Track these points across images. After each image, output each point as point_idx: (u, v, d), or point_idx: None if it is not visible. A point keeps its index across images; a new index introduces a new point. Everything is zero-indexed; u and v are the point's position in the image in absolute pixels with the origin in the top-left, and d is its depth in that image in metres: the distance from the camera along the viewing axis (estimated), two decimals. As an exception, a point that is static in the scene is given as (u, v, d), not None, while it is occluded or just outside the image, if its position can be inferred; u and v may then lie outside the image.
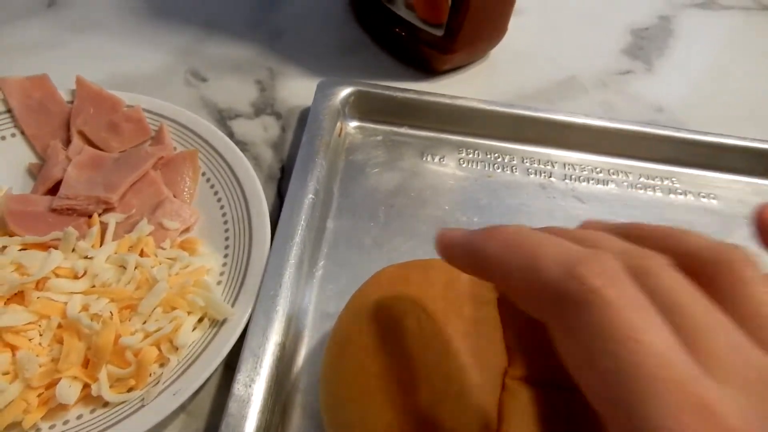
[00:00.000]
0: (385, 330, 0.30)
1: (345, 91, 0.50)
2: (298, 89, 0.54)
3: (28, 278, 0.35)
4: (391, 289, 0.32)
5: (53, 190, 0.42)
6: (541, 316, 0.19)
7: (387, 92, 0.51)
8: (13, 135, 0.45)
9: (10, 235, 0.38)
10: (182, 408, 0.36)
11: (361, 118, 0.51)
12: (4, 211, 0.39)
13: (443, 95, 0.51)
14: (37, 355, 0.34)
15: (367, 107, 0.51)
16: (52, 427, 0.33)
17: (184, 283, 0.37)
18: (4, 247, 0.37)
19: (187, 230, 0.42)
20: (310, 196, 0.43)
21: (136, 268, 0.37)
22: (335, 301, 0.41)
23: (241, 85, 0.54)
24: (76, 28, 0.57)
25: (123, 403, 0.34)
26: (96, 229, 0.39)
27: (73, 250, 0.38)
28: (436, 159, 0.50)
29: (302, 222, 0.41)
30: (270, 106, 0.53)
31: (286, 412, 0.36)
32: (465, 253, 0.22)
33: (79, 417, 0.33)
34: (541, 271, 0.18)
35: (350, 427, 0.29)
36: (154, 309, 0.36)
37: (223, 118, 0.51)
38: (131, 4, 0.60)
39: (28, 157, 0.45)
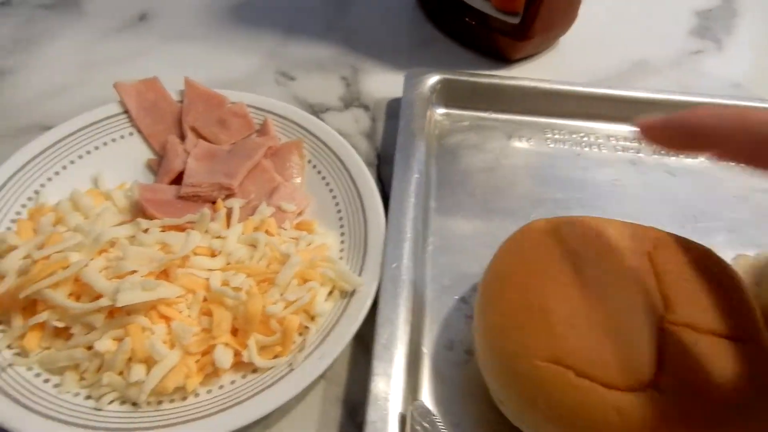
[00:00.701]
0: (546, 268, 0.33)
1: (432, 80, 0.52)
2: (381, 82, 0.57)
3: (174, 256, 0.37)
4: (545, 239, 0.34)
5: (176, 181, 0.45)
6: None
7: (472, 78, 0.53)
8: (131, 134, 0.48)
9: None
10: (321, 375, 0.37)
11: (447, 105, 0.54)
12: (139, 199, 0.41)
13: (526, 78, 0.53)
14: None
15: (453, 94, 0.53)
16: (209, 391, 0.35)
17: (312, 257, 0.39)
18: (147, 229, 0.39)
19: (300, 213, 0.45)
20: (416, 175, 0.45)
21: (265, 246, 0.40)
22: (449, 274, 0.43)
23: (328, 81, 0.57)
24: (167, 39, 0.60)
25: (271, 368, 0.35)
26: (223, 212, 0.41)
27: (206, 231, 0.40)
28: (524, 140, 0.52)
29: (412, 199, 0.43)
30: (357, 99, 0.55)
31: (420, 372, 0.37)
32: (676, 126, 0.27)
33: (233, 382, 0.35)
34: (753, 126, 0.24)
35: (514, 355, 0.30)
36: (290, 281, 0.38)
37: (315, 112, 0.54)
38: (215, 16, 0.63)
39: (145, 154, 0.48)
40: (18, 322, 0.36)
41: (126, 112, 0.48)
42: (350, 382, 0.38)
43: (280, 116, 0.49)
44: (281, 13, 0.64)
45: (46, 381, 0.35)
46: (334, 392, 0.37)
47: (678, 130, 0.26)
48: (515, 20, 0.55)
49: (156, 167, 0.47)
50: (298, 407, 0.36)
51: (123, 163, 0.47)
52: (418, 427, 0.31)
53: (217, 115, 0.48)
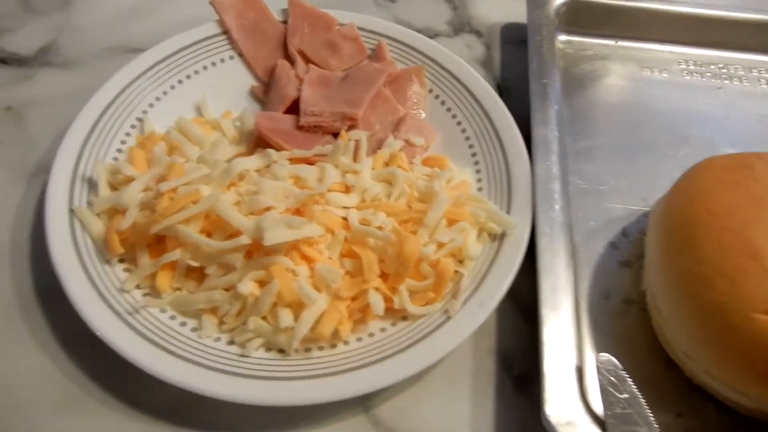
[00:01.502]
0: (749, 208, 0.29)
1: (557, 2, 0.47)
2: (492, 6, 0.51)
3: (313, 191, 0.33)
4: (735, 176, 0.30)
5: (289, 109, 0.40)
6: None
7: (604, 0, 0.47)
8: (231, 57, 0.43)
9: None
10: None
11: (570, 32, 0.48)
12: (259, 129, 0.37)
13: (660, 1, 0.48)
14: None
15: (578, 19, 0.48)
16: (359, 339, 0.32)
17: (458, 196, 0.35)
18: (272, 163, 0.35)
19: (426, 148, 0.41)
20: (555, 107, 0.41)
21: (403, 182, 0.36)
22: (594, 217, 0.39)
23: (432, 4, 0.51)
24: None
25: (424, 316, 0.32)
26: (352, 144, 0.37)
27: (336, 166, 0.37)
28: (656, 71, 0.47)
29: (555, 133, 0.39)
30: (467, 24, 0.50)
31: (581, 323, 0.34)
32: None
33: (383, 330, 0.32)
34: None
35: (722, 307, 0.27)
36: (439, 221, 0.34)
37: (422, 37, 0.49)
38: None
39: (247, 79, 0.43)
40: (145, 259, 0.33)
41: (225, 32, 0.43)
42: (500, 332, 0.35)
43: (394, 40, 0.44)
44: None
45: (183, 324, 0.32)
46: (485, 343, 0.34)
47: None
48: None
49: (260, 94, 0.43)
50: (448, 358, 0.34)
51: (224, 89, 0.43)
52: (606, 384, 0.28)
53: (326, 38, 0.43)
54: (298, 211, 0.34)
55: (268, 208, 0.33)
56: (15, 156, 0.40)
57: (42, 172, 0.39)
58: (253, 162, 0.34)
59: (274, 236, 0.30)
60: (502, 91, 0.46)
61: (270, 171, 0.34)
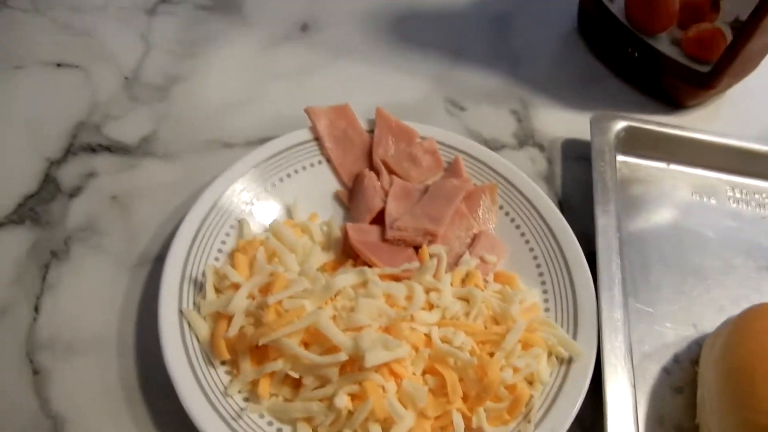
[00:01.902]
0: None
1: (618, 126, 0.51)
2: (553, 120, 0.56)
3: (405, 312, 0.37)
4: None
5: (374, 218, 0.44)
6: None
7: (660, 128, 0.51)
8: (319, 162, 0.47)
9: (365, 264, 0.41)
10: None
11: (626, 153, 0.52)
12: (352, 242, 0.41)
13: (712, 133, 0.52)
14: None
15: (634, 142, 0.51)
16: (438, 456, 0.35)
17: (531, 319, 0.39)
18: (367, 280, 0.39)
19: (496, 264, 0.44)
20: (617, 234, 0.44)
21: (481, 302, 0.39)
22: (648, 340, 0.42)
23: (498, 114, 0.55)
24: (332, 53, 0.59)
25: (499, 436, 0.35)
26: (435, 262, 0.41)
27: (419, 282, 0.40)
28: (705, 197, 0.51)
29: (617, 259, 0.43)
30: (531, 138, 0.54)
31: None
32: None
33: (461, 448, 0.35)
34: None
35: None
36: (516, 346, 0.37)
37: (490, 149, 0.52)
38: (377, 30, 0.62)
39: (332, 184, 0.47)
40: (248, 366, 0.36)
41: (316, 139, 0.48)
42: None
43: (468, 155, 0.48)
44: (444, 34, 0.63)
45: (279, 430, 0.35)
46: (551, 461, 0.37)
47: None
48: (703, 68, 0.53)
49: (345, 199, 0.46)
50: (517, 475, 0.36)
51: (311, 192, 0.46)
52: None
53: (408, 151, 0.47)
54: (387, 329, 0.37)
55: (363, 326, 0.36)
56: (119, 246, 0.43)
57: (144, 263, 0.43)
58: (351, 279, 0.38)
59: (374, 358, 0.34)
60: (563, 206, 0.49)
61: (365, 288, 0.38)
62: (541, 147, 0.53)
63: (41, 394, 0.37)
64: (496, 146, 0.53)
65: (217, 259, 0.41)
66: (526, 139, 0.54)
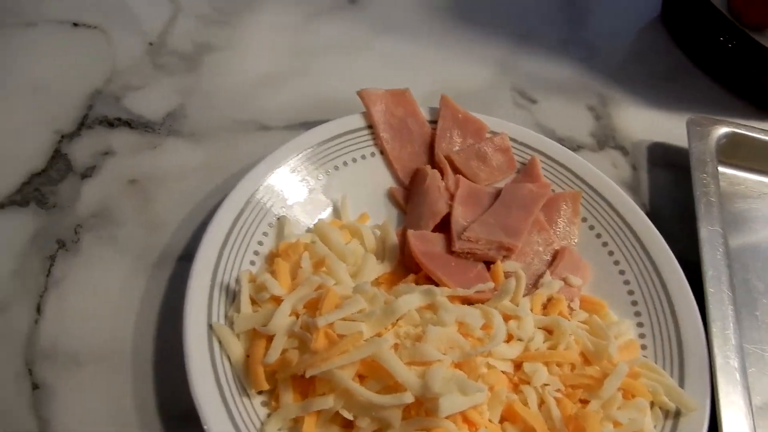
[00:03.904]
0: None
1: (719, 132, 0.44)
2: (636, 120, 0.49)
3: (483, 346, 0.30)
4: None
5: (438, 226, 0.38)
6: None
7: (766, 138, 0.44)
8: (372, 154, 0.40)
9: (427, 279, 0.34)
10: None
11: (725, 163, 0.45)
12: (416, 254, 0.34)
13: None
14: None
15: (737, 152, 0.45)
16: None
17: (631, 361, 0.32)
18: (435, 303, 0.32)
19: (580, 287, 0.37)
20: (725, 257, 0.37)
21: (570, 336, 0.33)
22: (760, 390, 0.35)
23: (573, 110, 0.49)
24: (383, 29, 0.52)
25: (593, 504, 0.29)
26: (513, 282, 0.34)
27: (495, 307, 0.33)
28: (815, 219, 0.44)
29: (728, 291, 0.36)
30: (611, 139, 0.47)
31: None
32: None
33: None
34: None
35: None
36: (615, 394, 0.31)
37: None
38: (435, 5, 0.55)
39: (385, 179, 0.40)
40: (290, 399, 0.30)
41: (369, 127, 0.41)
42: None
43: (546, 156, 0.41)
44: (510, 14, 0.55)
45: (325, 479, 0.29)
46: None
47: None
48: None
49: (399, 198, 0.40)
50: None
51: (362, 188, 0.40)
52: None
53: (477, 147, 0.41)
54: (459, 364, 0.31)
55: (433, 361, 0.29)
56: (138, 239, 0.37)
57: (167, 261, 0.36)
58: (417, 300, 0.31)
59: (449, 405, 0.27)
60: (652, 220, 0.42)
61: (434, 312, 0.31)
62: (623, 150, 0.46)
63: (41, 413, 0.31)
64: (572, 146, 0.46)
65: (252, 263, 0.35)
66: (606, 139, 0.47)
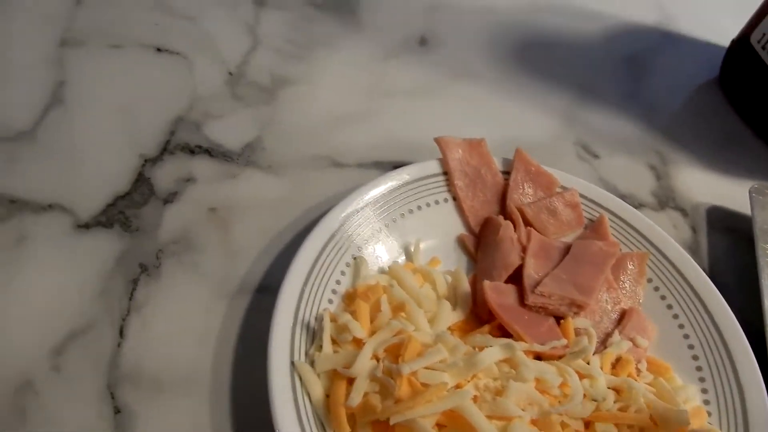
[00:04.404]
0: None
1: (781, 202, 0.45)
2: (695, 182, 0.49)
3: (561, 406, 0.31)
4: None
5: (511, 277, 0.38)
6: None
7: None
8: (445, 200, 0.42)
9: (499, 329, 0.35)
10: None
11: (783, 232, 0.46)
12: (491, 304, 0.35)
13: None
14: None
15: (797, 222, 0.45)
16: None
17: (699, 429, 0.33)
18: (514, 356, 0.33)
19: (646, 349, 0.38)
20: (787, 331, 0.38)
21: (641, 398, 0.33)
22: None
23: (634, 167, 0.50)
24: (452, 73, 0.53)
25: None
26: (585, 341, 0.35)
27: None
28: None
29: (791, 365, 0.36)
30: (672, 200, 0.48)
31: None
32: None
33: None
34: None
35: None
36: (687, 463, 0.31)
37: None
38: (502, 53, 0.56)
39: (455, 226, 0.41)
40: (369, 446, 0.30)
41: (445, 173, 0.42)
42: None
43: (613, 214, 0.42)
44: (575, 67, 0.57)
45: None
46: None
47: None
48: None
49: (470, 245, 0.41)
50: None
51: (433, 233, 0.41)
52: None
53: (547, 201, 0.42)
54: (535, 421, 0.31)
55: (513, 417, 0.30)
56: (217, 268, 0.38)
57: (245, 292, 0.37)
58: (498, 354, 0.32)
59: (532, 464, 0.28)
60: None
61: (513, 368, 0.32)
62: (683, 212, 0.47)
63: (123, 437, 0.32)
64: (633, 204, 0.46)
65: (330, 301, 0.35)
66: (666, 200, 0.48)
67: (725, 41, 0.58)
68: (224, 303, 0.37)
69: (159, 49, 0.49)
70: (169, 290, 0.37)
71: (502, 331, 0.36)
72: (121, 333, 0.35)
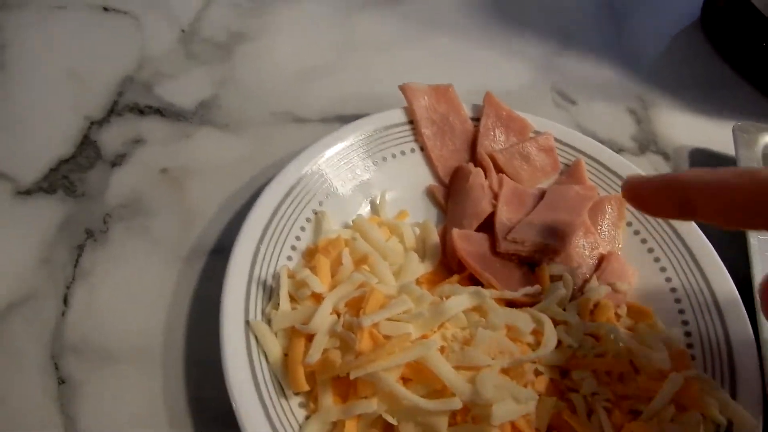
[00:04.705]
0: None
1: (765, 140, 0.43)
2: (676, 125, 0.47)
3: (534, 354, 0.29)
4: None
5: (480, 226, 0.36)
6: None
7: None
8: (412, 150, 0.39)
9: (470, 279, 0.33)
10: None
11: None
12: (461, 254, 0.33)
13: None
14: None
15: (783, 161, 0.43)
16: None
17: (683, 372, 0.31)
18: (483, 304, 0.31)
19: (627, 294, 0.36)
20: (776, 272, 0.36)
21: (620, 345, 0.31)
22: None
23: (614, 113, 0.47)
24: (425, 24, 0.51)
25: None
26: (561, 289, 0.33)
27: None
28: None
29: (780, 305, 0.34)
30: (653, 143, 0.46)
31: None
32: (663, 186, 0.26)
33: None
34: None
35: None
36: (668, 407, 0.29)
37: (610, 152, 0.44)
38: (478, 3, 0.54)
39: (423, 177, 0.39)
40: (329, 402, 0.28)
41: (410, 122, 0.40)
42: None
43: (590, 158, 0.40)
44: (552, 15, 0.54)
45: (369, 487, 0.28)
46: None
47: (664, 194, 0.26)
48: None
49: (439, 196, 0.38)
50: None
51: (400, 185, 0.38)
52: None
53: (520, 146, 0.39)
54: (506, 370, 0.30)
55: (482, 367, 0.28)
56: (170, 231, 0.36)
57: (198, 255, 0.35)
58: (465, 302, 0.30)
59: (503, 413, 0.26)
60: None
61: (482, 316, 0.30)
62: (665, 155, 0.45)
63: (67, 409, 0.29)
64: (613, 149, 0.44)
65: (290, 258, 0.33)
66: (647, 144, 0.46)
67: (706, -18, 0.56)
68: (177, 267, 0.34)
69: (106, 9, 0.46)
70: (117, 256, 0.34)
71: (473, 282, 0.34)
72: (66, 302, 0.32)
